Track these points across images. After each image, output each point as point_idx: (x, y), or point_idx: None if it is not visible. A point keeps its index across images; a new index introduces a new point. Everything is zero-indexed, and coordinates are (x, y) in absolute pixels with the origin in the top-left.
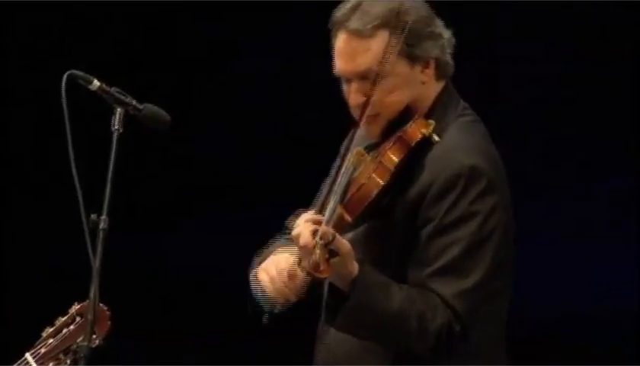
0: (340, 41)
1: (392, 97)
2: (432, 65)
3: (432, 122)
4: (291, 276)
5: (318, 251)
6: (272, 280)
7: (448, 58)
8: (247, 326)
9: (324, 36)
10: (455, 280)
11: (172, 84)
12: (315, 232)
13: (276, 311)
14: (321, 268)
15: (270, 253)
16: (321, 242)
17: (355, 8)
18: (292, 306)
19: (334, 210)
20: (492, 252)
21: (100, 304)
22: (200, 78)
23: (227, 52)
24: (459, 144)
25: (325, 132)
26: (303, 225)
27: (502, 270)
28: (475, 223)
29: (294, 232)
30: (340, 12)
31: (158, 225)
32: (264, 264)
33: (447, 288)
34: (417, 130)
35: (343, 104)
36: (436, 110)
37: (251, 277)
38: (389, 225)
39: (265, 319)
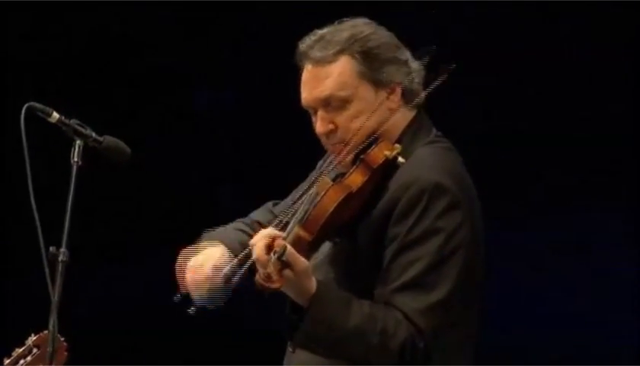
0: (305, 72)
1: (357, 123)
2: (398, 91)
3: (398, 146)
4: (216, 270)
5: (271, 263)
6: (197, 274)
7: (416, 86)
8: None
9: (280, 69)
10: (418, 296)
11: (129, 116)
12: (270, 246)
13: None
14: (273, 278)
15: (198, 249)
16: (275, 255)
17: (318, 39)
18: (217, 304)
19: (292, 229)
20: (457, 270)
21: (58, 335)
22: (157, 111)
23: (184, 84)
24: (424, 163)
25: (284, 165)
26: (260, 238)
27: (469, 292)
28: (439, 239)
29: (251, 243)
30: (304, 44)
31: (116, 258)
32: (193, 261)
33: (410, 304)
34: (379, 152)
35: (300, 136)
36: (405, 138)
37: (178, 269)
38: (356, 246)
39: (192, 311)
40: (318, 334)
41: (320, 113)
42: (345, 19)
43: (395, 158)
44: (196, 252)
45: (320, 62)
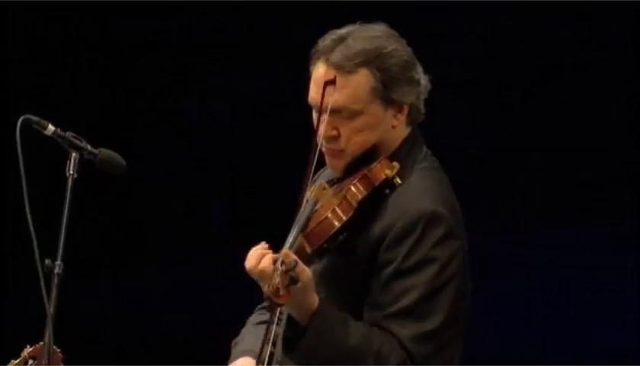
0: (319, 71)
1: (361, 136)
2: (405, 110)
3: (396, 165)
4: None
5: (277, 277)
6: None
7: (421, 105)
8: None
9: (272, 84)
10: (412, 324)
11: (122, 129)
12: (275, 259)
13: None
14: (281, 293)
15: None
16: (283, 267)
17: (339, 41)
18: None
19: (295, 239)
20: (450, 299)
21: (54, 346)
22: (150, 125)
23: (177, 98)
24: (420, 189)
25: (276, 178)
26: (262, 252)
27: (459, 317)
28: (434, 267)
29: (250, 259)
30: (324, 42)
31: (111, 273)
32: None
33: (404, 331)
34: (381, 170)
35: (293, 149)
36: (400, 154)
37: None
38: (349, 264)
39: None
40: (316, 351)
41: (326, 117)
42: (365, 24)
43: (394, 177)
44: None
45: (338, 68)
